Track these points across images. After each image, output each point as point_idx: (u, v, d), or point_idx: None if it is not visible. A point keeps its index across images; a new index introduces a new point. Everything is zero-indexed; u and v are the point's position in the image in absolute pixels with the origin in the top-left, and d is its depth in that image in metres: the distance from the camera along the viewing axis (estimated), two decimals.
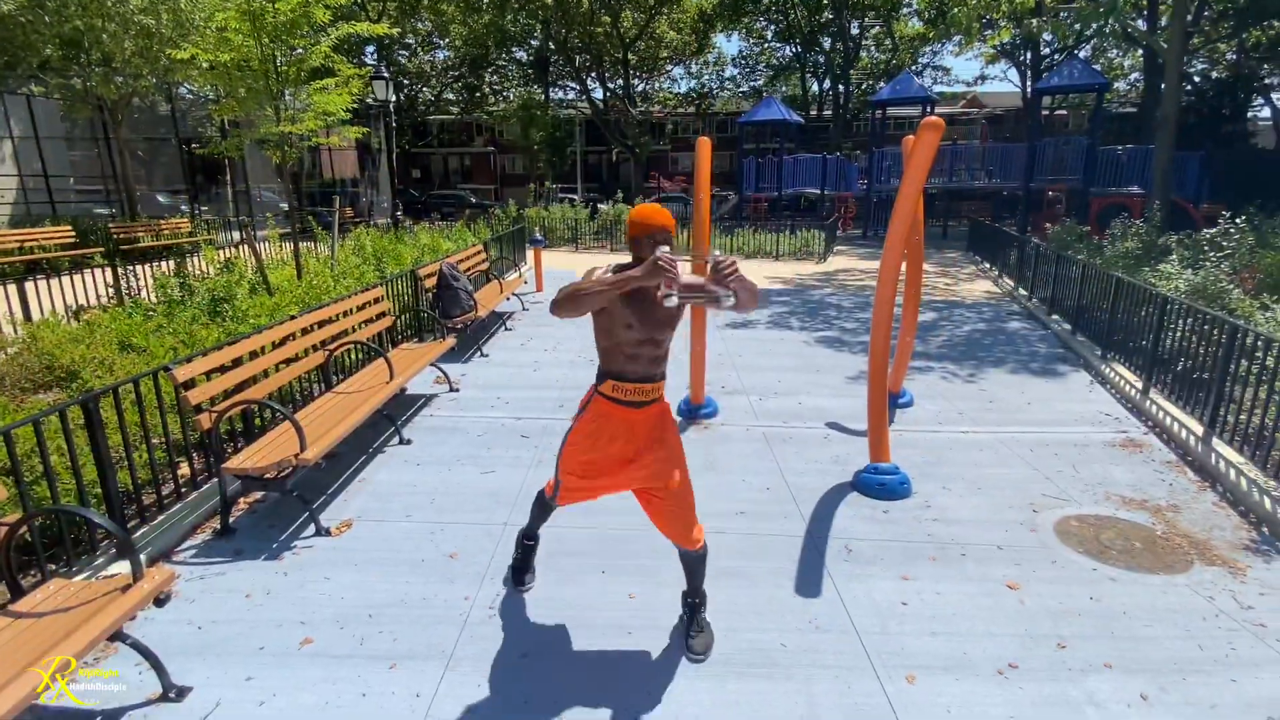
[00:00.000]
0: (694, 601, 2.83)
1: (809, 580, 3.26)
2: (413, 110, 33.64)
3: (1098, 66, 23.80)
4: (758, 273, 12.12)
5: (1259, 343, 4.21)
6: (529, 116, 25.53)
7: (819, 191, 20.09)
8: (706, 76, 37.25)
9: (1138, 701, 2.52)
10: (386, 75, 11.43)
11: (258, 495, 3.98)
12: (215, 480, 3.71)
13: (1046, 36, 23.84)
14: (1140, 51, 26.74)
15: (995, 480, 4.34)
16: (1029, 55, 28.19)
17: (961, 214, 19.99)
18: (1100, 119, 17.74)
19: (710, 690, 2.55)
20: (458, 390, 5.95)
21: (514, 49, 31.86)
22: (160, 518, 3.51)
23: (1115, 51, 29.82)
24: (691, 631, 2.79)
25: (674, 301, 2.23)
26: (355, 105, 7.90)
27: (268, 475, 3.49)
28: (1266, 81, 25.20)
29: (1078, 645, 2.82)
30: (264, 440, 3.77)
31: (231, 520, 3.68)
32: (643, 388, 2.46)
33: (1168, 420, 5.03)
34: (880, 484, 4.10)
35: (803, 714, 2.45)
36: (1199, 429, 4.66)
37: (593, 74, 29.98)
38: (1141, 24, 16.71)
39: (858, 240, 18.24)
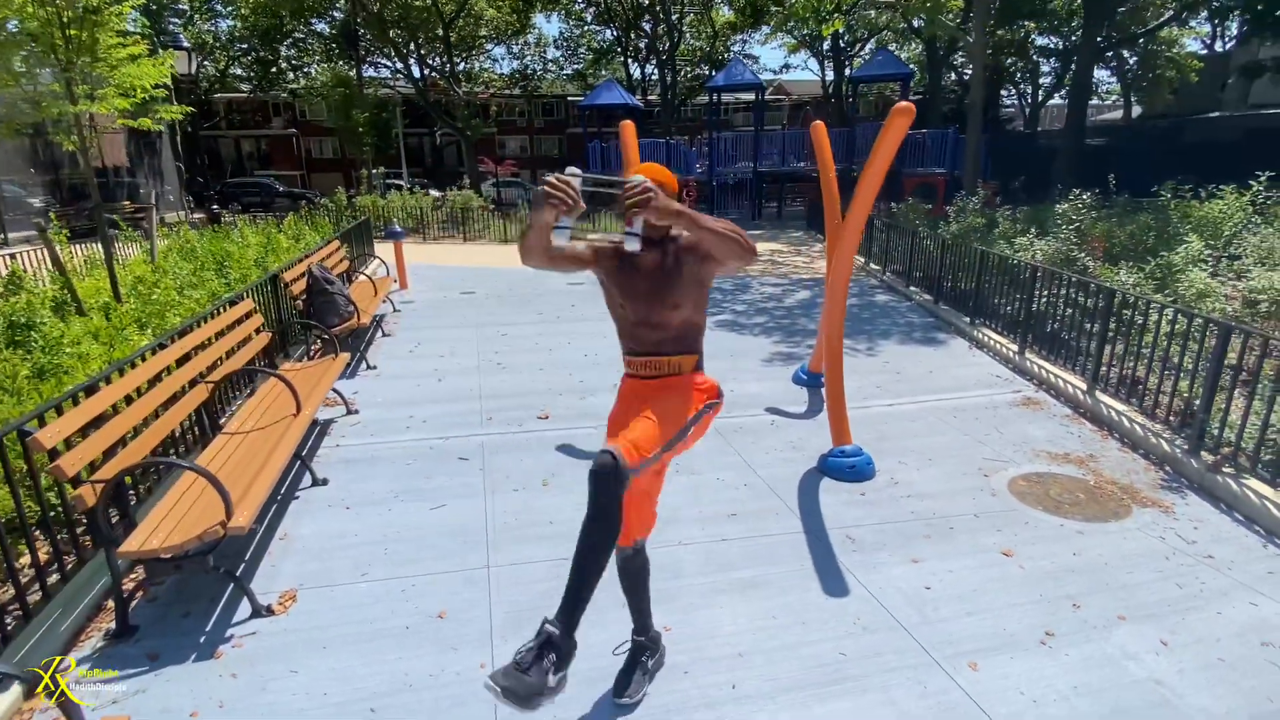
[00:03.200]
0: (641, 640, 2.50)
1: (832, 579, 3.18)
2: (194, 87, 29.31)
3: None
4: None
5: (1135, 303, 4.81)
6: (344, 95, 23.21)
7: None
8: (529, 58, 36.38)
9: (1161, 649, 2.73)
10: (187, 45, 9.67)
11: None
12: (100, 566, 2.86)
13: (840, 29, 26.18)
14: (919, 47, 30.34)
15: (939, 449, 4.58)
16: (825, 46, 30.75)
17: (790, 195, 21.33)
18: None
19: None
20: (357, 412, 5.18)
21: (313, 20, 28.83)
22: (28, 627, 2.62)
23: (893, 46, 33.45)
24: (631, 678, 2.43)
25: (564, 240, 1.92)
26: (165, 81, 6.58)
27: (182, 553, 2.74)
28: (1013, 74, 29.91)
29: (1089, 602, 3.00)
30: (161, 507, 2.95)
31: (129, 615, 2.86)
32: (651, 360, 2.23)
33: (1052, 378, 5.64)
34: (850, 466, 4.15)
35: None
36: (1083, 384, 5.26)
37: (410, 50, 27.96)
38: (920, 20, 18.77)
39: None
